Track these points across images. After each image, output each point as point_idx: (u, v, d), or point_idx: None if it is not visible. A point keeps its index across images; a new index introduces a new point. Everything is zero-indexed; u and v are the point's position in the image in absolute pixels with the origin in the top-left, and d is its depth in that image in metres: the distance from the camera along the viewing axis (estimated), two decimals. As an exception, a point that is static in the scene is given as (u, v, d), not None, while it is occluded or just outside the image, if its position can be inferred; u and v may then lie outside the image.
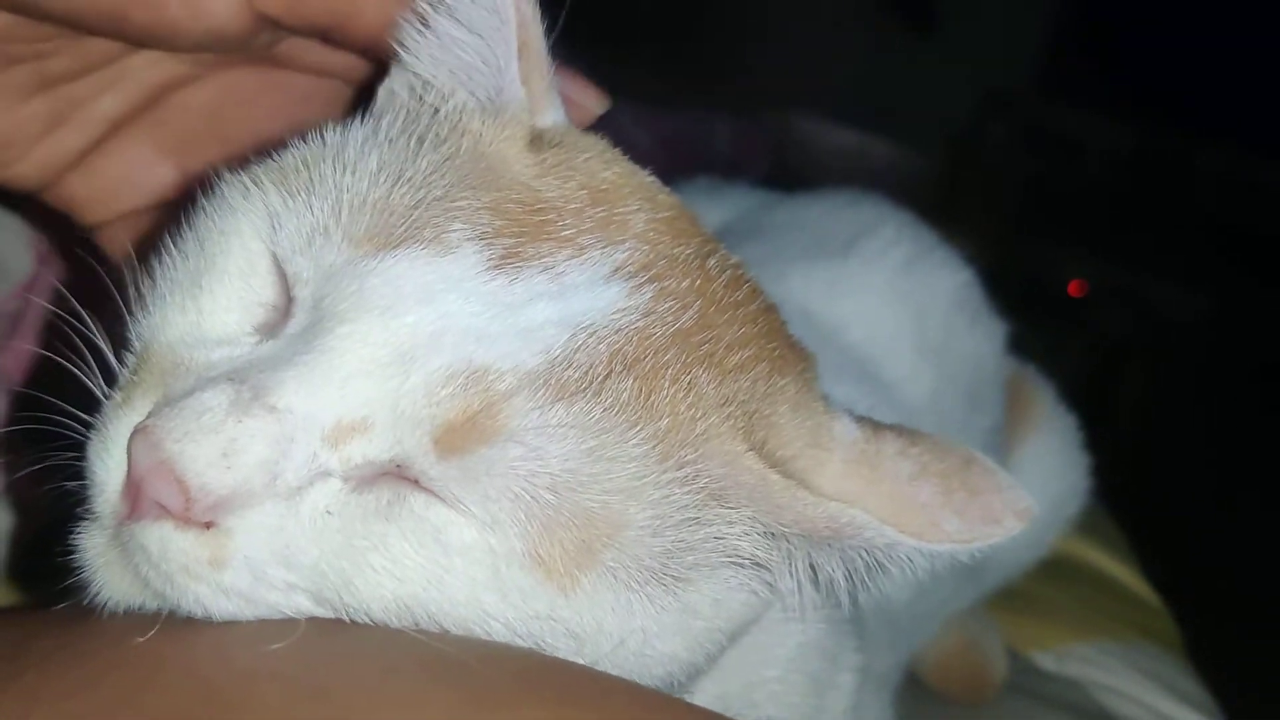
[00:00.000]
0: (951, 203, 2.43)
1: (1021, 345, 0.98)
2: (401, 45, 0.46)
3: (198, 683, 0.36)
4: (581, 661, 0.40)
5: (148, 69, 0.51)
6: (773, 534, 0.42)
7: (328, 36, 0.49)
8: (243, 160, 0.45)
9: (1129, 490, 1.28)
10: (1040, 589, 1.02)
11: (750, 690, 0.52)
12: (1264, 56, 2.28)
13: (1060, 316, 2.55)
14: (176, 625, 0.39)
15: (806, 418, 0.43)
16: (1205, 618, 1.13)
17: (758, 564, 0.42)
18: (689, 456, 0.40)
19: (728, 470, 0.41)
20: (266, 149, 0.45)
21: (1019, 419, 0.93)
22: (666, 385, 0.40)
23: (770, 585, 0.43)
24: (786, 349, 0.45)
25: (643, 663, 0.41)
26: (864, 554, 0.41)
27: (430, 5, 0.45)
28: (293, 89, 0.54)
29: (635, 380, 0.40)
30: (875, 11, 2.71)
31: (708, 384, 0.41)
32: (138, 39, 0.48)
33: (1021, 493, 0.41)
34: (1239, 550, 1.79)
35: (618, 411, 0.39)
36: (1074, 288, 2.60)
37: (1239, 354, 2.23)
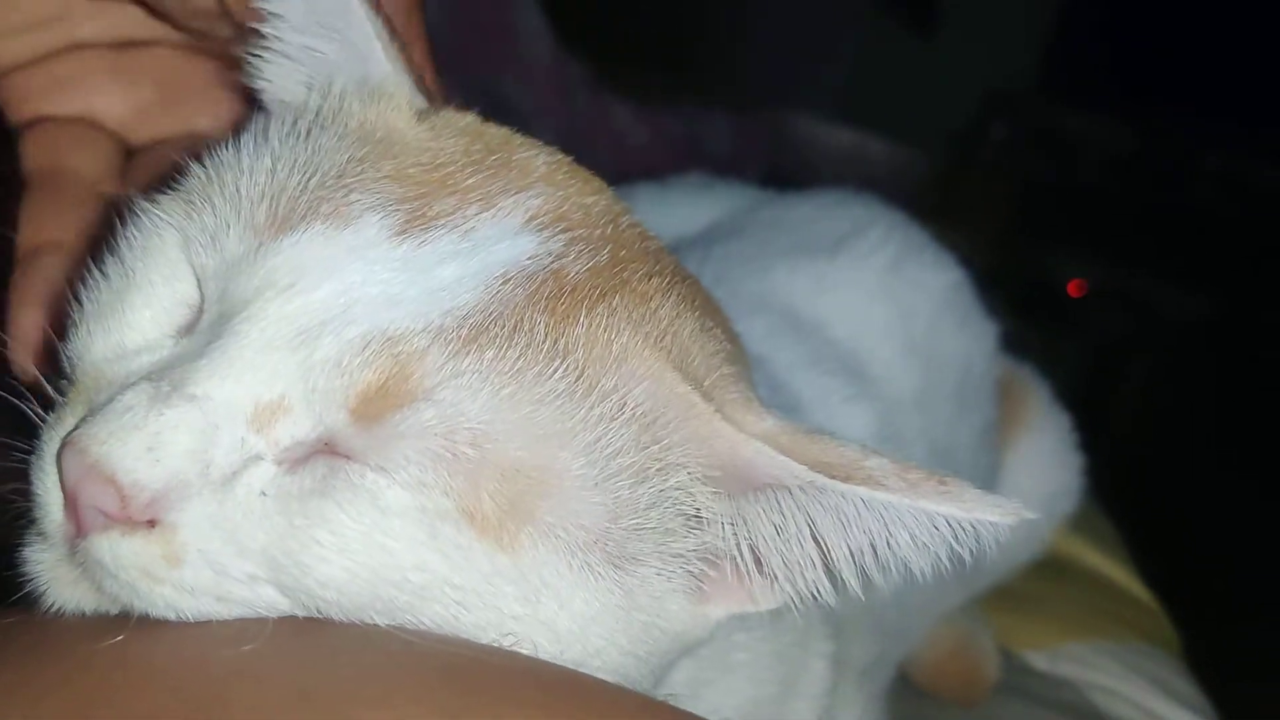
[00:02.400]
0: (952, 203, 2.42)
1: (1020, 345, 0.98)
2: (260, 77, 0.48)
3: (171, 682, 0.36)
4: (538, 638, 0.40)
5: (127, 19, 0.54)
6: (716, 491, 0.41)
7: None
8: (159, 183, 0.46)
9: (1126, 490, 1.28)
10: (1035, 588, 1.02)
11: (724, 654, 0.52)
12: (1264, 56, 2.28)
13: (1059, 316, 2.55)
14: (153, 625, 0.39)
15: (738, 381, 0.43)
16: (1201, 618, 1.13)
17: (704, 526, 0.42)
18: (611, 384, 0.40)
19: (651, 388, 0.41)
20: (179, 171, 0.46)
21: (1012, 418, 0.92)
22: (582, 316, 0.40)
23: (711, 577, 0.43)
24: (717, 312, 0.45)
25: (586, 644, 0.41)
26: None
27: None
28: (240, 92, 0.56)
29: (549, 318, 0.40)
30: (876, 11, 2.71)
31: (622, 307, 0.41)
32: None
33: (1007, 500, 0.39)
34: (1236, 551, 1.79)
35: (533, 350, 0.39)
36: (1073, 288, 2.59)
37: (1238, 354, 2.23)
